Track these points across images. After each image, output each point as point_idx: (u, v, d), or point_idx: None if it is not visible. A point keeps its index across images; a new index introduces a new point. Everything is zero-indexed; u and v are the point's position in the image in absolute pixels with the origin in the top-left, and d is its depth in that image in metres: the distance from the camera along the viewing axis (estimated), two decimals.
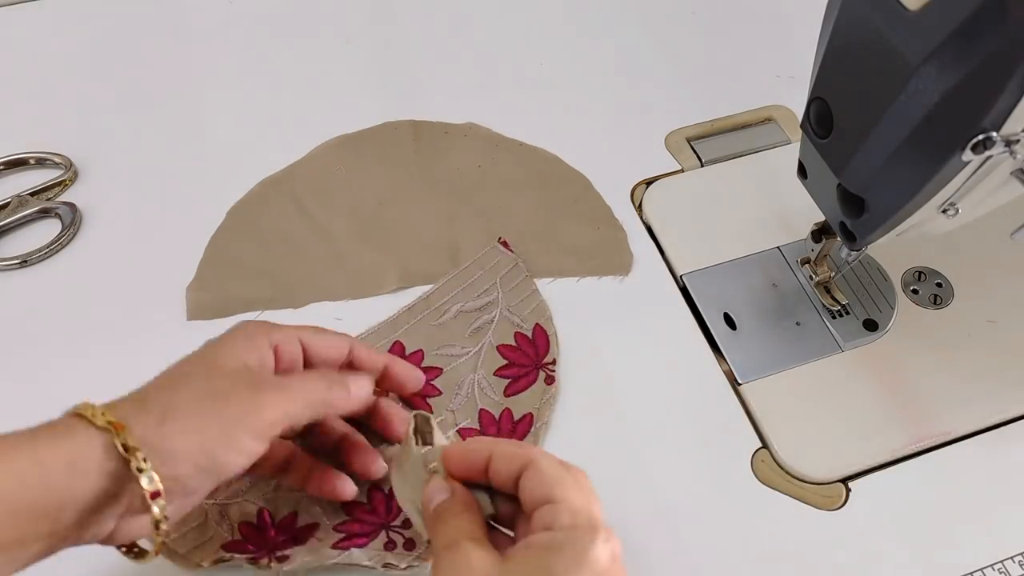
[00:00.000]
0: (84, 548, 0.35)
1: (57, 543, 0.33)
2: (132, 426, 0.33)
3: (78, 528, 0.33)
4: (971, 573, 0.43)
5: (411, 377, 0.45)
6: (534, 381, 0.48)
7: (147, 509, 0.33)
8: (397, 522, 0.43)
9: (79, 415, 0.33)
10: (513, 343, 0.49)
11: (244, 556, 0.42)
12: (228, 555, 0.42)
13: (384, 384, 0.44)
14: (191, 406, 0.35)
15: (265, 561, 0.41)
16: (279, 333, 0.40)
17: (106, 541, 0.35)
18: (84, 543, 0.34)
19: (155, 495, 0.33)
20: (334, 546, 0.42)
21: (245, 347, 0.38)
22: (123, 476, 0.33)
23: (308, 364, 0.41)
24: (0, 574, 0.32)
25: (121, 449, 0.32)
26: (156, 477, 0.33)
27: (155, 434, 0.33)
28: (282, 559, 0.41)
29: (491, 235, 0.54)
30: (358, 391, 0.41)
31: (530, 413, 0.47)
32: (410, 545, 0.42)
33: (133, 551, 0.37)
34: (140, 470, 0.33)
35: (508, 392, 0.48)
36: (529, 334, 0.50)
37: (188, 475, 0.34)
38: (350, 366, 0.43)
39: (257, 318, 0.51)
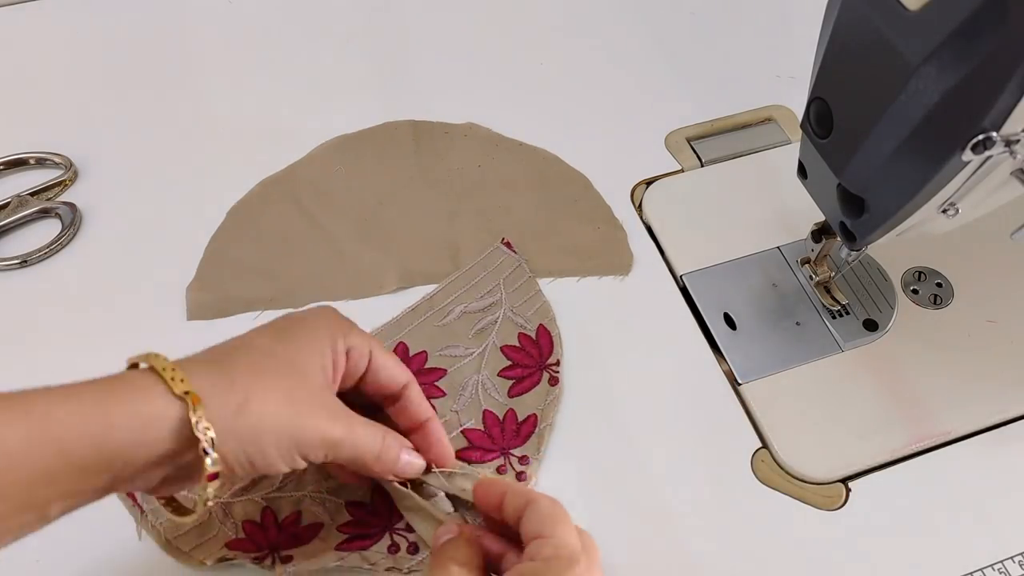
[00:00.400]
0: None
1: (109, 492, 0.33)
2: (209, 403, 0.33)
3: (131, 481, 0.33)
4: (971, 573, 0.43)
5: (444, 451, 0.42)
6: (538, 382, 0.48)
7: (197, 480, 0.34)
8: (401, 524, 0.43)
9: (154, 371, 0.33)
10: (517, 344, 0.49)
11: (247, 555, 0.42)
12: (232, 554, 0.42)
13: (417, 442, 0.42)
14: (268, 404, 0.35)
15: (268, 561, 0.41)
16: (356, 338, 0.39)
17: (150, 491, 0.35)
18: (129, 491, 0.35)
19: (212, 477, 0.33)
20: (337, 547, 0.42)
21: (324, 348, 0.38)
22: (188, 446, 0.33)
23: (362, 380, 0.41)
24: (50, 519, 0.32)
25: (194, 425, 0.32)
26: (218, 459, 0.33)
27: (231, 421, 0.33)
28: (285, 559, 0.41)
29: (491, 235, 0.54)
30: (403, 468, 0.41)
31: (534, 414, 0.47)
32: (413, 548, 0.42)
33: (171, 505, 0.37)
34: (206, 452, 0.33)
35: (512, 393, 0.48)
36: (533, 335, 0.50)
37: (241, 467, 0.35)
38: (396, 400, 0.42)
39: (257, 318, 0.51)
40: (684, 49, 0.65)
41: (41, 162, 0.58)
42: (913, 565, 0.43)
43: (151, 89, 0.62)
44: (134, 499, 0.43)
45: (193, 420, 0.32)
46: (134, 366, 0.35)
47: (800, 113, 0.43)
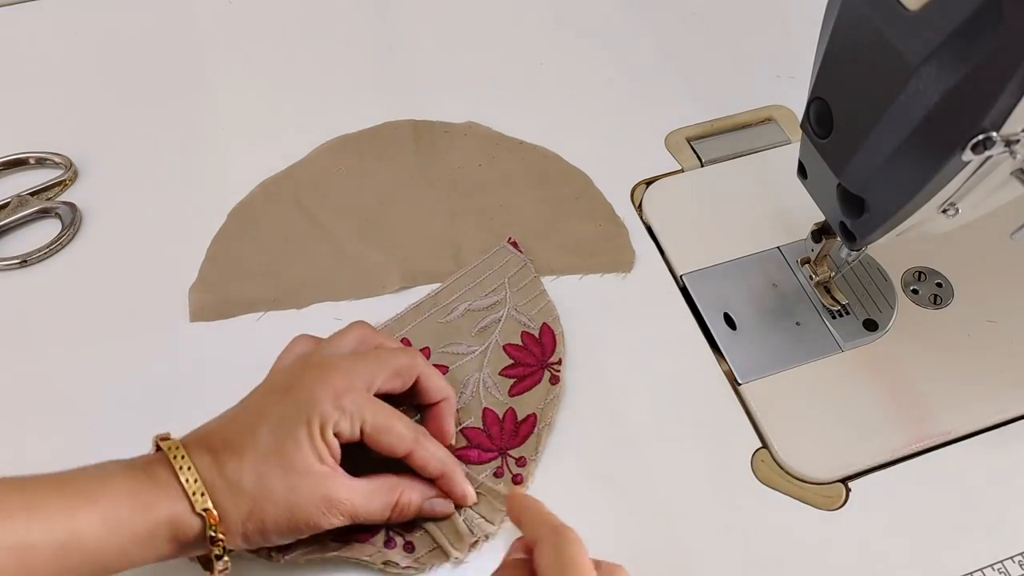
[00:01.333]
0: None
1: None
2: (223, 515, 0.38)
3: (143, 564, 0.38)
4: (971, 573, 0.43)
5: (461, 492, 0.44)
6: (539, 381, 0.48)
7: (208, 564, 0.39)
8: (398, 521, 0.43)
9: (174, 475, 0.38)
10: (520, 343, 0.49)
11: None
12: None
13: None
14: (273, 512, 0.39)
15: (266, 550, 0.42)
16: (345, 422, 0.40)
17: None
18: None
19: (223, 571, 0.39)
20: (334, 539, 0.42)
21: (315, 433, 0.40)
22: (197, 546, 0.38)
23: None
24: None
25: (210, 538, 0.38)
26: (227, 561, 0.38)
27: (238, 527, 0.38)
28: (283, 549, 0.42)
29: (493, 233, 0.54)
30: (418, 510, 0.43)
31: (534, 414, 0.47)
32: (409, 547, 0.43)
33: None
34: (218, 556, 0.38)
35: (513, 392, 0.48)
36: (536, 334, 0.50)
37: (246, 547, 0.40)
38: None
39: (260, 319, 0.51)
40: (684, 49, 0.65)
41: (41, 162, 0.58)
42: (913, 565, 0.43)
43: (151, 89, 0.62)
44: None
45: (210, 534, 0.37)
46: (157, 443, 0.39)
47: (800, 113, 0.43)
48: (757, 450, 0.47)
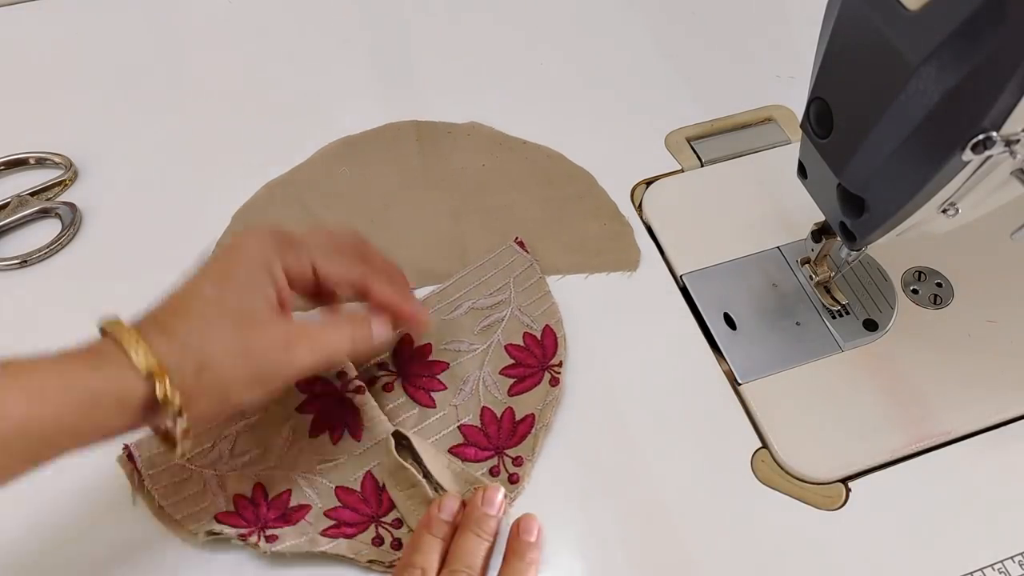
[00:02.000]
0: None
1: (89, 446, 0.36)
2: (172, 372, 0.36)
3: (110, 438, 0.36)
4: (971, 573, 0.43)
5: (420, 323, 0.46)
6: (539, 382, 0.48)
7: (171, 439, 0.37)
8: (387, 518, 0.44)
9: (118, 344, 0.36)
10: (521, 343, 0.49)
11: (235, 531, 0.42)
12: (219, 527, 0.42)
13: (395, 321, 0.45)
14: (227, 360, 0.37)
15: (254, 539, 0.42)
16: (291, 256, 0.41)
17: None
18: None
19: (185, 433, 0.36)
20: (323, 533, 0.43)
21: (264, 281, 0.39)
22: (157, 411, 0.36)
23: (320, 286, 0.43)
24: (37, 468, 0.35)
25: (161, 395, 0.35)
26: (186, 421, 0.36)
27: (193, 383, 0.36)
28: (271, 539, 0.42)
29: (497, 233, 0.54)
30: (380, 336, 0.43)
31: (532, 414, 0.47)
32: (397, 545, 0.43)
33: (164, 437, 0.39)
34: (176, 416, 0.36)
35: (512, 391, 0.48)
36: (538, 335, 0.50)
37: (212, 417, 0.38)
38: (364, 293, 0.44)
39: None
40: (684, 49, 0.65)
41: (41, 162, 0.58)
42: (913, 565, 0.43)
43: (151, 89, 0.62)
44: (134, 464, 0.44)
45: (159, 393, 0.35)
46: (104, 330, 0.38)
47: (800, 113, 0.43)
48: (757, 450, 0.47)
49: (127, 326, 0.37)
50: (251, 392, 0.38)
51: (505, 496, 0.43)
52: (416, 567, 0.40)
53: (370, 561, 0.42)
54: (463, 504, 0.43)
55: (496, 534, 0.43)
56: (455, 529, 0.42)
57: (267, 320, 0.39)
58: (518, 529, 0.43)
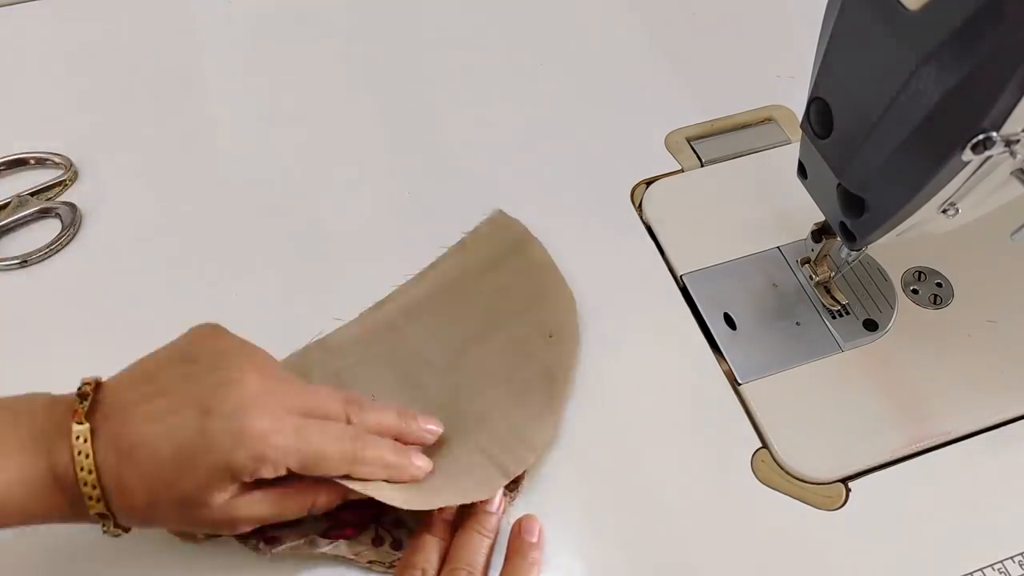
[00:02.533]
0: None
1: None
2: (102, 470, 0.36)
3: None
4: (971, 573, 0.43)
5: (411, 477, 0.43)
6: None
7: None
8: (387, 519, 0.43)
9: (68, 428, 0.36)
10: None
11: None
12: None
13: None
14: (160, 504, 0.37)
15: (254, 541, 0.42)
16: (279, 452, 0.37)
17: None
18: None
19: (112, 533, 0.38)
20: (323, 534, 0.42)
21: (221, 488, 0.37)
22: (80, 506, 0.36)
23: None
24: None
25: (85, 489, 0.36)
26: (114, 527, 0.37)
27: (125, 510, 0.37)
28: (271, 540, 0.42)
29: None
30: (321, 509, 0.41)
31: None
32: (397, 545, 0.43)
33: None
34: (101, 516, 0.37)
35: None
36: None
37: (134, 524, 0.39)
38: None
39: None
40: (684, 49, 0.65)
41: (41, 162, 0.58)
42: (913, 565, 0.43)
43: (151, 89, 0.62)
44: None
45: (82, 483, 0.36)
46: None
47: (800, 113, 0.43)
48: (757, 450, 0.47)
49: (83, 409, 0.36)
50: (174, 515, 0.38)
51: (505, 495, 0.43)
52: (417, 567, 0.40)
53: (370, 562, 0.42)
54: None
55: (497, 532, 0.43)
56: (456, 529, 0.42)
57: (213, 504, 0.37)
58: (519, 529, 0.43)
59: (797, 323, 0.51)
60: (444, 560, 0.41)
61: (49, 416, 0.36)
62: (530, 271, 0.52)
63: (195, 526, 0.39)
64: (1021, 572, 0.43)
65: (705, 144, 0.59)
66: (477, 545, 0.41)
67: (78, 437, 0.35)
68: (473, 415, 0.46)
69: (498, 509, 0.43)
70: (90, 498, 0.36)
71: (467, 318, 0.50)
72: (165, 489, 0.36)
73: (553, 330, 0.49)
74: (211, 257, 0.54)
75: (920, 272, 0.53)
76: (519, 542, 0.42)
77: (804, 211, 0.48)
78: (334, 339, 0.49)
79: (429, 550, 0.41)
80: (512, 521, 0.43)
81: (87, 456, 0.35)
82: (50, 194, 0.56)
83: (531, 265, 0.52)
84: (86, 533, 0.43)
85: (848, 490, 0.45)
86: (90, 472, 0.35)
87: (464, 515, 0.43)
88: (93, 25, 0.66)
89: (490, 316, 0.50)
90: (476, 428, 0.46)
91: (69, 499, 0.36)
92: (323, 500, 0.40)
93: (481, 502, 0.43)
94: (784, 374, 0.49)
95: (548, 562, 0.43)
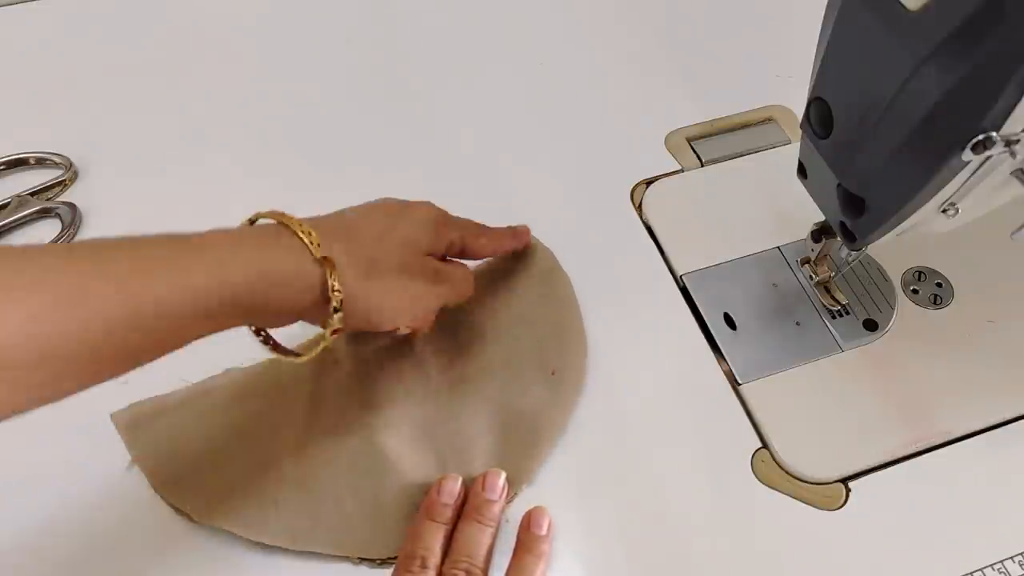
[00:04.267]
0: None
1: (243, 325, 0.38)
2: (341, 269, 0.38)
3: (266, 323, 0.39)
4: (971, 573, 0.43)
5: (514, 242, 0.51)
6: None
7: (321, 331, 0.39)
8: None
9: (289, 230, 0.37)
10: None
11: None
12: None
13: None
14: (388, 276, 0.40)
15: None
16: (455, 233, 0.46)
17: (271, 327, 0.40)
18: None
19: (335, 332, 0.38)
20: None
21: (430, 241, 0.43)
22: (321, 302, 0.37)
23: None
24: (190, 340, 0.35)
25: (329, 288, 0.37)
26: (342, 318, 0.38)
27: (357, 286, 0.38)
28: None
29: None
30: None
31: None
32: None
33: (277, 348, 0.41)
34: (336, 310, 0.37)
35: None
36: None
37: (359, 325, 0.40)
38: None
39: None
40: (684, 49, 0.65)
41: (41, 162, 0.58)
42: (913, 565, 0.43)
43: (151, 89, 0.62)
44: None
45: (329, 283, 0.37)
46: (254, 221, 0.39)
47: (800, 113, 0.43)
48: (757, 450, 0.47)
49: (295, 217, 0.38)
50: (396, 313, 0.41)
51: (507, 483, 0.43)
52: (417, 557, 0.40)
53: (360, 558, 0.42)
54: (464, 488, 0.43)
55: (499, 521, 0.42)
56: (458, 513, 0.42)
57: (423, 257, 0.42)
58: (528, 522, 0.43)
59: (797, 323, 0.51)
60: (446, 549, 0.41)
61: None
62: (550, 305, 0.51)
63: (415, 304, 0.42)
64: (1021, 572, 0.43)
65: (705, 144, 0.59)
66: (478, 536, 0.41)
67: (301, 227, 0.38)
68: (460, 436, 0.46)
69: (500, 496, 0.43)
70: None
71: (475, 340, 0.49)
72: (390, 238, 0.41)
73: (557, 368, 0.48)
74: None
75: (920, 272, 0.53)
76: (527, 535, 0.42)
77: (804, 211, 0.48)
78: None
79: (431, 538, 0.41)
80: (518, 521, 0.43)
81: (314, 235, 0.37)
82: (50, 194, 0.56)
83: (553, 299, 0.51)
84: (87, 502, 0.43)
85: (848, 490, 0.45)
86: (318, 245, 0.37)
87: (466, 505, 0.42)
88: (93, 25, 0.66)
89: (499, 341, 0.49)
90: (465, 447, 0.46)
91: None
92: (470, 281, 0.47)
93: (482, 489, 0.43)
94: (784, 374, 0.49)
95: (549, 561, 0.42)
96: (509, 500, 0.44)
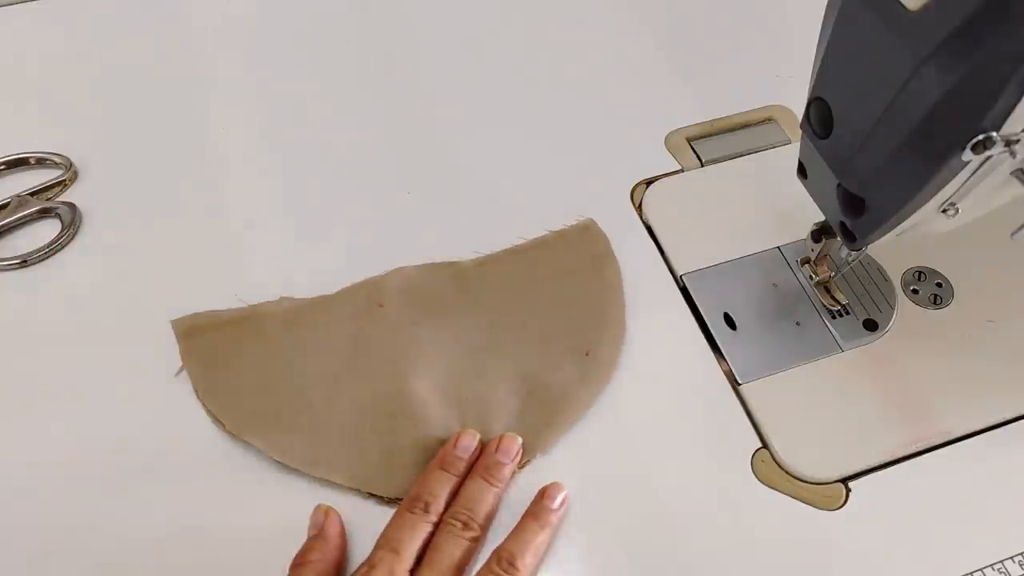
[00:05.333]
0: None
1: None
2: None
3: None
4: (971, 573, 0.43)
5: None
6: None
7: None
8: None
9: None
10: None
11: None
12: None
13: None
14: None
15: None
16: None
17: None
18: None
19: None
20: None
21: None
22: None
23: None
24: None
25: None
26: None
27: None
28: None
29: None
30: None
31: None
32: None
33: None
34: None
35: None
36: None
37: None
38: None
39: None
40: (684, 49, 0.65)
41: (41, 162, 0.58)
42: (913, 565, 0.43)
43: (151, 89, 0.62)
44: None
45: None
46: None
47: (800, 113, 0.43)
48: (757, 450, 0.47)
49: None
50: None
51: (521, 449, 0.44)
52: (421, 500, 0.40)
53: (371, 493, 0.44)
54: (480, 446, 0.44)
55: (506, 484, 0.43)
56: (470, 468, 0.43)
57: None
58: (543, 494, 0.43)
59: (797, 323, 0.51)
60: (451, 501, 0.41)
61: None
62: (596, 288, 0.52)
63: None
64: (1021, 572, 0.43)
65: (705, 144, 0.59)
66: (482, 491, 0.42)
67: None
68: (486, 397, 0.47)
69: (512, 460, 0.43)
70: None
71: (518, 311, 0.51)
72: None
73: (592, 350, 0.49)
74: (211, 257, 0.54)
75: (920, 272, 0.53)
76: (538, 505, 0.42)
77: (804, 211, 0.48)
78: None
79: (438, 485, 0.41)
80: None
81: None
82: (50, 194, 0.56)
83: (601, 284, 0.52)
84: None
85: (848, 490, 0.45)
86: None
87: (477, 463, 0.43)
88: (93, 25, 0.66)
89: (541, 315, 0.51)
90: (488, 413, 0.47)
91: None
92: None
93: (495, 450, 0.43)
94: (784, 374, 0.49)
95: (547, 562, 0.43)
96: (521, 466, 0.45)
